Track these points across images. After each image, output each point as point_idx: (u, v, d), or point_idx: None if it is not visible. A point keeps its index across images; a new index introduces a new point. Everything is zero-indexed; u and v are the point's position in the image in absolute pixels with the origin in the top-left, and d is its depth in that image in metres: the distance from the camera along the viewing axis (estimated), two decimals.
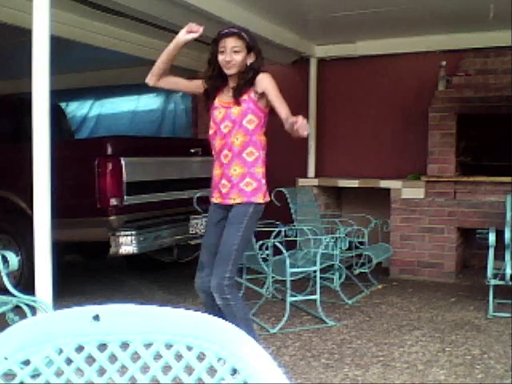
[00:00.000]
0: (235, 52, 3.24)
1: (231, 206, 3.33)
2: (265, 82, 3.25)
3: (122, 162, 4.60)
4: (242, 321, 3.18)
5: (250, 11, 5.37)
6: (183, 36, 3.29)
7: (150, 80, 3.41)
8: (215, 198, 3.41)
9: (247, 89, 3.29)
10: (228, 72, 3.29)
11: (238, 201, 3.30)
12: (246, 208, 3.29)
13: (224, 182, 3.32)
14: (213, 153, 3.41)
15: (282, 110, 3.15)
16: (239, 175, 3.28)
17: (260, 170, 3.33)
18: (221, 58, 3.26)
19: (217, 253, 3.31)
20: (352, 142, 7.07)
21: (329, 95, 7.09)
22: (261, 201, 3.31)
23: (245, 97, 3.28)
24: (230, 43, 3.24)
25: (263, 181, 3.34)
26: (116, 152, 4.62)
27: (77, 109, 9.08)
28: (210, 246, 3.41)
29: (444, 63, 6.21)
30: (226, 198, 3.33)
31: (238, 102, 3.28)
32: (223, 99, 3.35)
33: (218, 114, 3.34)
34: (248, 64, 3.30)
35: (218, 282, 3.21)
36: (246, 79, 3.27)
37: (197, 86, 3.49)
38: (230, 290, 3.22)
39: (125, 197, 4.65)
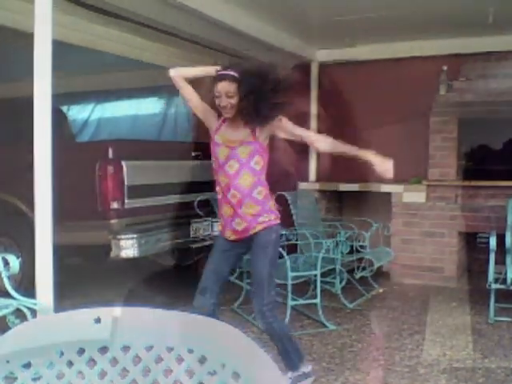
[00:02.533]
0: (229, 97, 3.18)
1: (250, 236, 3.33)
2: (289, 125, 3.35)
3: (123, 166, 4.60)
4: (285, 339, 3.31)
5: (252, 16, 5.38)
6: (214, 70, 3.31)
7: (175, 73, 3.39)
8: (228, 236, 3.37)
9: (256, 128, 3.27)
10: (226, 115, 3.25)
11: (258, 229, 3.29)
12: (270, 234, 3.31)
13: (238, 220, 3.29)
14: (217, 187, 3.36)
15: (324, 140, 3.53)
16: (254, 213, 3.28)
17: (272, 203, 3.35)
18: (216, 101, 3.23)
19: (221, 279, 3.41)
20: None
21: (330, 99, 7.09)
22: (278, 221, 3.35)
23: (251, 138, 3.27)
24: (223, 88, 3.19)
25: (274, 206, 3.38)
26: (117, 155, 4.62)
27: (78, 112, 9.08)
28: (216, 272, 3.40)
29: (445, 68, 6.21)
30: (245, 233, 3.32)
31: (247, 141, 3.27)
32: (227, 137, 3.30)
33: (220, 152, 3.28)
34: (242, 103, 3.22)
35: (259, 308, 3.26)
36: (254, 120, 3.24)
37: (203, 110, 3.42)
38: (271, 313, 3.27)
39: (126, 200, 4.65)
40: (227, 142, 3.28)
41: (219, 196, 3.35)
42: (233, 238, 3.35)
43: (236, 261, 3.64)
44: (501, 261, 4.74)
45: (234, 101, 3.20)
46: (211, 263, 3.44)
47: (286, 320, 4.40)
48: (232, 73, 3.22)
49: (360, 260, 5.37)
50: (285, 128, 3.33)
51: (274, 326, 3.28)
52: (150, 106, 8.57)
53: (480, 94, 6.03)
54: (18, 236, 5.00)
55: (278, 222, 3.34)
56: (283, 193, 5.54)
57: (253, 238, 3.30)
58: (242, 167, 3.25)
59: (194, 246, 5.32)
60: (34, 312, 3.26)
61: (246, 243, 3.35)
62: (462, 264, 6.29)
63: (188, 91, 3.44)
